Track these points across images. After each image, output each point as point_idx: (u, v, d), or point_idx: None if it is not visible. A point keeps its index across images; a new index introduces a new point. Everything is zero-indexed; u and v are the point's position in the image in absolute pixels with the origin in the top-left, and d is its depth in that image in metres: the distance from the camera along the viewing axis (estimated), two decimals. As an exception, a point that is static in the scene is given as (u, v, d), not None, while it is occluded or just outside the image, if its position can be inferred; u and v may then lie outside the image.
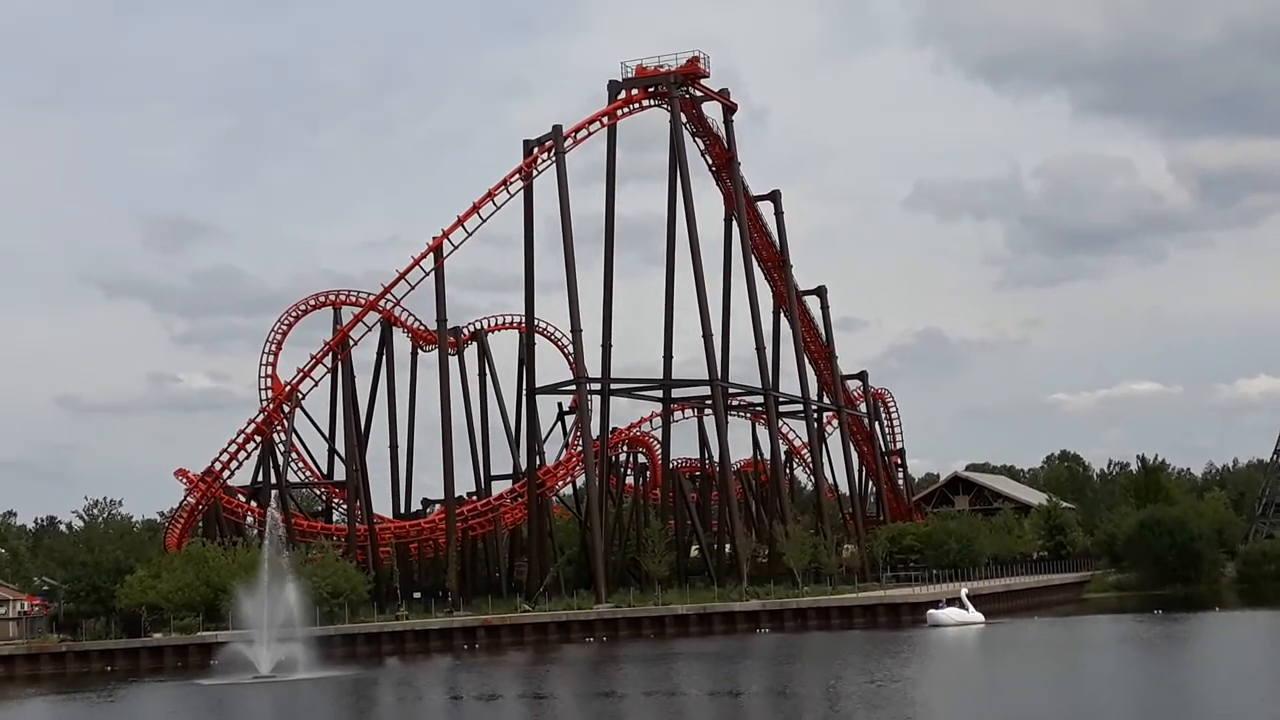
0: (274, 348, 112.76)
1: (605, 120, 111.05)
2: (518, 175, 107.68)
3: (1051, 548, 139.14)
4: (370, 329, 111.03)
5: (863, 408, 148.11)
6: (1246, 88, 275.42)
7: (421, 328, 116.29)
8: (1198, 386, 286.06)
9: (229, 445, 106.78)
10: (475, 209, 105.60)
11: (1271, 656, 58.28)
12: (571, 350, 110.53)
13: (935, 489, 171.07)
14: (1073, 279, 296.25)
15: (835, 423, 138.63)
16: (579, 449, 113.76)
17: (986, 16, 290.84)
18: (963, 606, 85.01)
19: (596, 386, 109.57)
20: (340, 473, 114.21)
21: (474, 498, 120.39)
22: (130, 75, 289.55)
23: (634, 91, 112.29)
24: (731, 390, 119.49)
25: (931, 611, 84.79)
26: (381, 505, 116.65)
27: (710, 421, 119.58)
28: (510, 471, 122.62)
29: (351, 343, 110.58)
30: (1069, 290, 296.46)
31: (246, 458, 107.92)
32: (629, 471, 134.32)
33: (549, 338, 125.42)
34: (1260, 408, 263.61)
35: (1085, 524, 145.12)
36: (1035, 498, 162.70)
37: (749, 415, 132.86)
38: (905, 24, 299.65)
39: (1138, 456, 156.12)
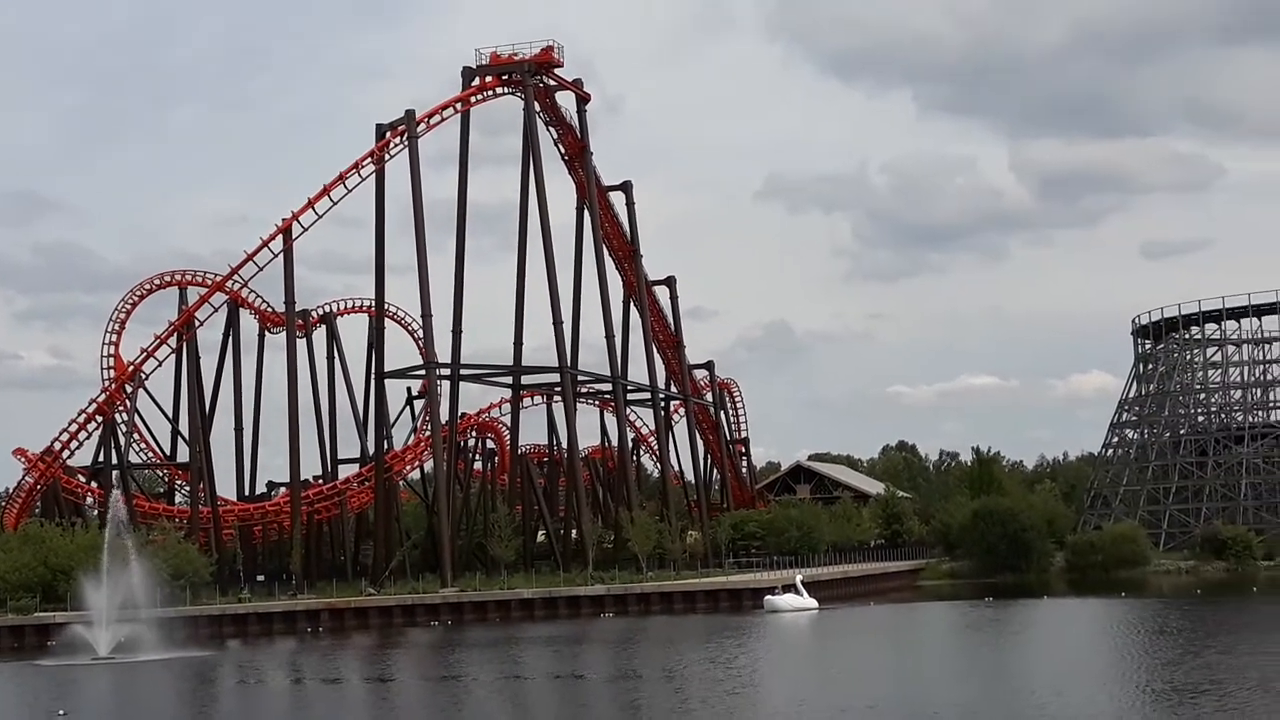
0: (117, 326, 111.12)
1: (459, 106, 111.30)
2: (369, 159, 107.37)
3: (889, 536, 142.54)
4: (217, 310, 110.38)
5: (709, 397, 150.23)
6: (1088, 90, 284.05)
7: (269, 310, 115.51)
8: (1033, 381, 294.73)
9: (69, 425, 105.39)
10: (326, 191, 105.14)
11: (1093, 640, 60.88)
12: (421, 335, 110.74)
13: (778, 478, 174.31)
14: (916, 274, 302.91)
15: (682, 411, 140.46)
16: (427, 434, 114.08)
17: (836, 14, 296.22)
18: (797, 592, 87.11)
19: (446, 372, 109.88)
20: (184, 454, 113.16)
21: (320, 481, 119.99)
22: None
23: (488, 79, 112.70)
24: (581, 378, 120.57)
25: (768, 597, 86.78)
26: (226, 488, 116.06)
27: (559, 408, 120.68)
28: (358, 455, 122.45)
29: (197, 323, 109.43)
30: (912, 285, 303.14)
31: (87, 438, 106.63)
32: (477, 457, 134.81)
33: (399, 322, 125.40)
34: (1092, 403, 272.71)
35: (921, 513, 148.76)
36: (874, 487, 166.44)
37: (597, 403, 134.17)
38: (757, 18, 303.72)
39: (972, 448, 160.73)
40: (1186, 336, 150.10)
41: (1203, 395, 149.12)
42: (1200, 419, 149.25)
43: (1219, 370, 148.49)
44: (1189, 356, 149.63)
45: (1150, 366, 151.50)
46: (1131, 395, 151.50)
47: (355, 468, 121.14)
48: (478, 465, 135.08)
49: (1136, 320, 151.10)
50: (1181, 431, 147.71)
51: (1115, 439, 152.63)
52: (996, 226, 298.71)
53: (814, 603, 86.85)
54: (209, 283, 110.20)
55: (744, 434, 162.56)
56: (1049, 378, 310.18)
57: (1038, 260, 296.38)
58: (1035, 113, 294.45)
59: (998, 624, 73.09)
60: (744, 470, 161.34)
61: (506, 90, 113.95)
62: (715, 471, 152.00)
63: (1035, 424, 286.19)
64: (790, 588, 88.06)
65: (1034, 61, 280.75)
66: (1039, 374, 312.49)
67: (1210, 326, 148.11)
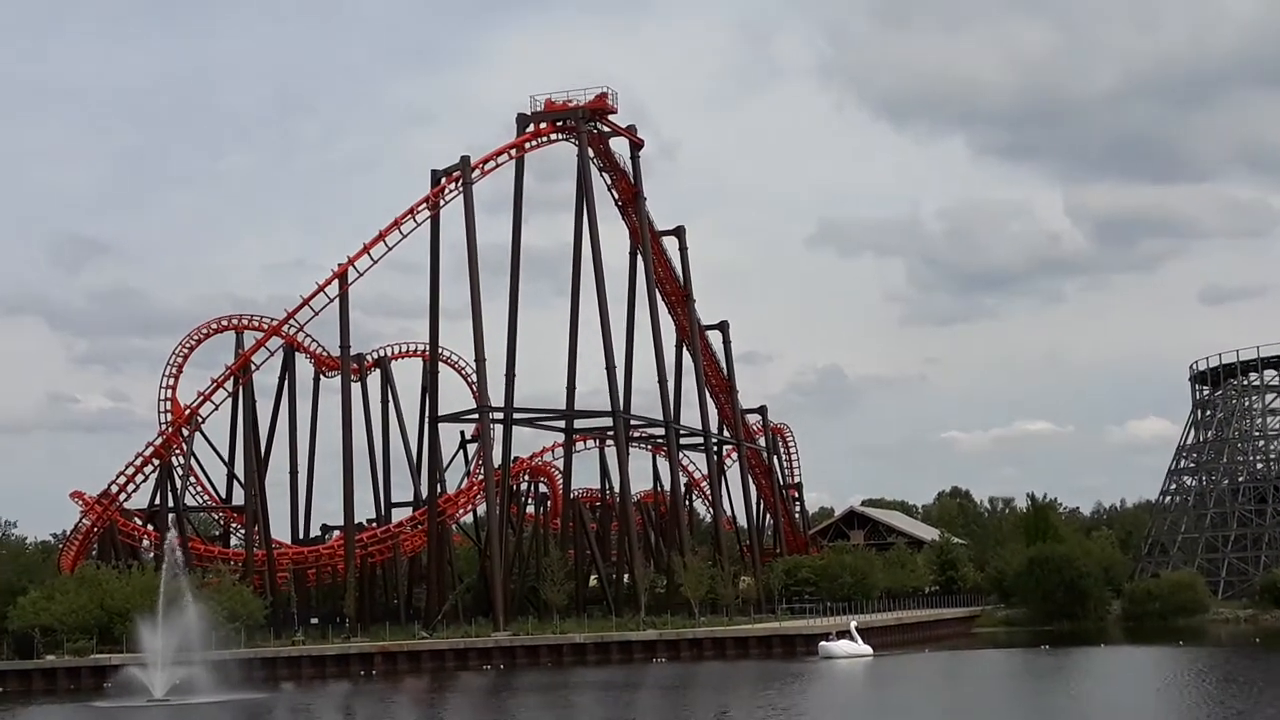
0: (175, 370, 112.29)
1: (513, 153, 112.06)
2: (425, 205, 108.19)
3: (943, 582, 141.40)
4: (273, 354, 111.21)
5: (762, 442, 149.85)
6: (1143, 134, 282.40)
7: (324, 354, 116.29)
8: (1089, 427, 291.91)
9: (126, 468, 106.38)
10: (381, 237, 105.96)
11: (1159, 688, 60.02)
12: (475, 379, 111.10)
13: (831, 523, 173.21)
14: (971, 318, 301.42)
15: (735, 456, 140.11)
16: (480, 477, 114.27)
17: (888, 58, 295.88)
18: (852, 639, 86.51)
19: (499, 415, 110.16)
20: (239, 497, 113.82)
21: (374, 524, 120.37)
22: (32, 94, 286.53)
23: (542, 125, 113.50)
24: (633, 422, 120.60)
25: (823, 643, 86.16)
26: (280, 531, 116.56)
27: (612, 452, 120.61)
28: (411, 499, 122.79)
29: (253, 367, 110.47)
30: (967, 330, 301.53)
31: (144, 480, 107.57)
32: (530, 500, 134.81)
33: (453, 366, 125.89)
34: (1149, 449, 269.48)
35: (976, 560, 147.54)
36: (928, 533, 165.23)
37: (650, 447, 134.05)
38: (809, 64, 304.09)
39: (1027, 495, 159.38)
40: (1245, 383, 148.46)
41: (1262, 442, 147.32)
42: (1259, 466, 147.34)
43: (1278, 417, 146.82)
44: (1248, 403, 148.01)
45: (1208, 413, 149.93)
46: (1189, 442, 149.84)
47: (409, 511, 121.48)
48: (530, 509, 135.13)
49: (1194, 366, 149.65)
50: (1240, 479, 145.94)
51: (1173, 486, 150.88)
52: (1053, 271, 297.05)
53: (869, 649, 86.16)
54: (265, 327, 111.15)
55: (797, 479, 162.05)
56: (1106, 424, 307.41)
57: (1095, 305, 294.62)
58: (1090, 157, 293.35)
59: (1058, 671, 72.19)
60: (797, 516, 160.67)
61: (561, 136, 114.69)
62: (768, 517, 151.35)
63: (1091, 470, 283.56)
64: (845, 634, 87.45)
65: (1087, 106, 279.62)
66: (1096, 420, 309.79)
67: (1270, 373, 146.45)
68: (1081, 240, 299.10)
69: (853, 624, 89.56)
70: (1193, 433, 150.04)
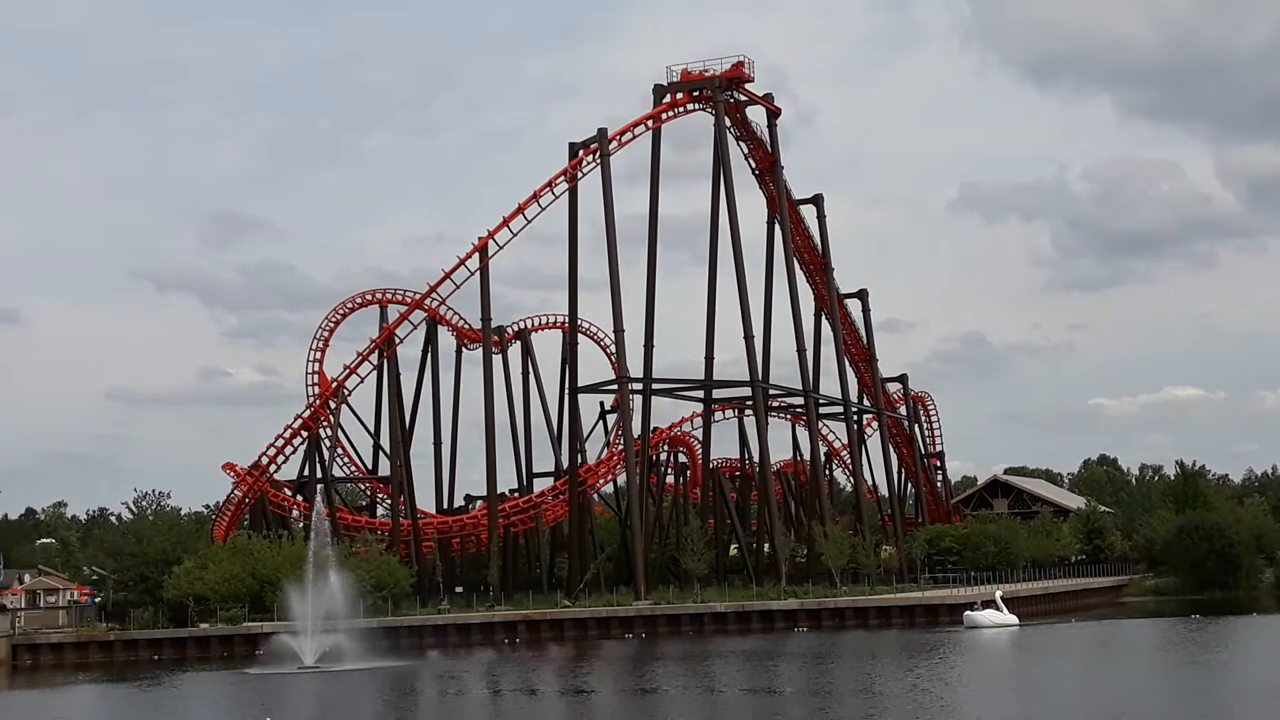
0: (321, 344, 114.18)
1: (650, 124, 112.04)
2: (563, 177, 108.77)
3: (1089, 551, 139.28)
4: (416, 327, 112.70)
5: (903, 410, 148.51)
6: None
7: (466, 326, 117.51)
8: (1241, 393, 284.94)
9: (276, 440, 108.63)
10: (520, 210, 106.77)
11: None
12: (614, 350, 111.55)
13: (974, 492, 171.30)
14: (1120, 283, 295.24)
15: (875, 425, 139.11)
16: (620, 448, 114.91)
17: (1031, 19, 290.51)
18: (997, 608, 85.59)
19: (638, 386, 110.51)
20: (385, 468, 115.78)
21: (516, 494, 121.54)
22: (182, 77, 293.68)
23: (679, 95, 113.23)
24: (772, 391, 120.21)
25: (968, 613, 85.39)
26: (425, 501, 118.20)
27: (751, 422, 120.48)
28: (552, 469, 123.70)
29: (397, 340, 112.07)
30: (1116, 294, 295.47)
31: (293, 452, 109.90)
32: (669, 470, 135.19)
33: (592, 337, 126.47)
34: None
35: (1123, 528, 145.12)
36: (1074, 502, 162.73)
37: (789, 416, 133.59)
38: (949, 27, 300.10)
39: (1176, 462, 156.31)
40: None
41: None
42: None
43: None
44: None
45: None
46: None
47: (550, 481, 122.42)
48: (670, 479, 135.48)
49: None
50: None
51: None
52: (1204, 233, 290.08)
53: (1014, 619, 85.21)
54: (408, 301, 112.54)
55: (939, 448, 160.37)
56: (1258, 389, 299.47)
57: (1247, 268, 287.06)
58: (1240, 116, 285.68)
59: (1212, 641, 70.64)
60: (939, 484, 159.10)
61: (697, 106, 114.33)
62: (909, 486, 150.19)
63: (1243, 437, 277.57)
64: (990, 603, 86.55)
65: (1237, 64, 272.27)
66: (1247, 385, 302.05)
67: None
68: (1233, 202, 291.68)
69: (997, 593, 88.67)
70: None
